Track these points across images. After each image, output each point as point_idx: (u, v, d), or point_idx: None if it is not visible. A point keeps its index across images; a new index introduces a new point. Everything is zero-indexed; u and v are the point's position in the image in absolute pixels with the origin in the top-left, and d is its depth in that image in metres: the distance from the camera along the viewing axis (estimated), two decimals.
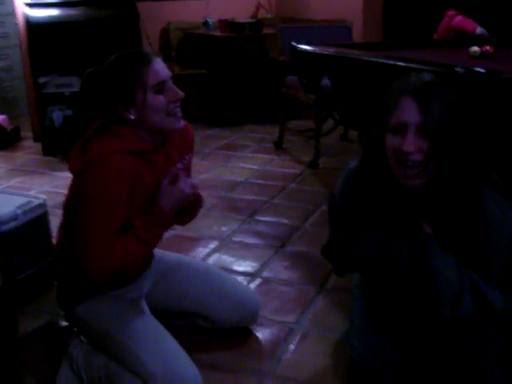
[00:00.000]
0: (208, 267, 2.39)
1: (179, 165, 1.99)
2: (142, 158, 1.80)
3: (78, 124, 1.85)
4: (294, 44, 3.89)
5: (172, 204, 1.81)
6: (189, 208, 1.96)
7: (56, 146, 4.89)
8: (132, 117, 1.77)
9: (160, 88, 1.76)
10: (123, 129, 1.79)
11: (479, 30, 4.77)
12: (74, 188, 1.85)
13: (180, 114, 1.82)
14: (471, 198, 1.57)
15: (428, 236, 1.61)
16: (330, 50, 3.50)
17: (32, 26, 4.73)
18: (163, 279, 2.15)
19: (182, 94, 1.80)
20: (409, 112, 1.51)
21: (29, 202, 2.48)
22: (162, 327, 1.88)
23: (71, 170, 1.79)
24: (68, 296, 1.99)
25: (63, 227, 1.94)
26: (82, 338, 1.97)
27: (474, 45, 3.22)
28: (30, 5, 4.78)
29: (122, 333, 1.81)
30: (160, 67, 1.77)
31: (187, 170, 2.07)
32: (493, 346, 1.70)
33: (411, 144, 1.50)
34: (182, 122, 1.84)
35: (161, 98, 1.76)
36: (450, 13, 5.01)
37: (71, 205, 1.85)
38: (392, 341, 1.77)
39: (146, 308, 1.96)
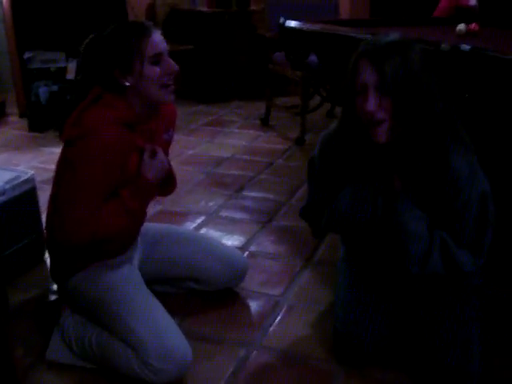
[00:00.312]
0: (195, 233, 2.48)
1: (165, 136, 2.05)
2: (133, 129, 1.85)
3: (78, 91, 1.91)
4: (281, 20, 3.90)
5: (155, 173, 1.89)
6: (165, 181, 2.04)
7: (42, 122, 4.87)
8: (127, 83, 1.82)
9: (157, 59, 1.81)
10: (117, 99, 1.84)
11: (472, 1, 4.79)
12: (64, 156, 1.88)
13: (172, 88, 1.86)
14: (439, 154, 1.62)
15: (398, 190, 1.67)
16: (317, 27, 3.51)
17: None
18: (153, 248, 2.20)
19: (176, 67, 1.84)
20: (365, 73, 1.56)
21: (17, 177, 2.49)
22: (153, 297, 1.93)
23: (64, 137, 1.84)
24: (60, 267, 2.02)
25: (53, 198, 1.96)
26: (74, 308, 2.01)
27: (464, 22, 3.24)
28: None
29: (114, 302, 1.85)
30: (159, 39, 1.82)
31: (169, 144, 2.13)
32: (473, 316, 1.75)
33: (371, 103, 1.55)
34: (173, 96, 1.88)
35: (156, 69, 1.81)
36: None
37: (60, 173, 1.88)
38: (374, 311, 1.83)
39: (138, 278, 2.00)
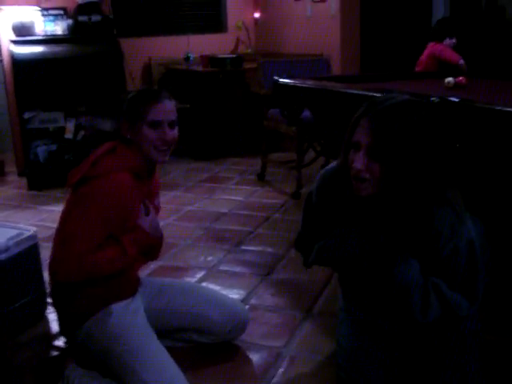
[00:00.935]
0: (198, 284, 2.57)
1: (155, 201, 2.22)
2: (137, 180, 2.01)
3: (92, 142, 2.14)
4: (275, 78, 4.00)
5: (149, 226, 2.03)
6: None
7: (41, 180, 4.94)
8: (128, 136, 2.03)
9: (154, 125, 2.00)
10: (128, 151, 2.01)
11: (462, 61, 4.98)
12: (73, 197, 2.01)
13: (165, 152, 2.05)
14: (420, 217, 1.66)
15: (382, 241, 1.71)
16: (310, 83, 3.61)
17: (17, 62, 4.82)
18: (157, 300, 2.24)
19: (170, 137, 2.02)
20: (362, 132, 1.61)
21: (19, 234, 2.53)
22: (163, 348, 1.97)
23: (73, 181, 1.98)
24: (69, 316, 2.05)
25: (60, 240, 2.01)
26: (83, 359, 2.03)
27: (451, 76, 3.36)
28: (16, 42, 4.87)
29: (124, 351, 1.89)
30: (163, 109, 2.02)
31: (158, 211, 2.27)
32: (472, 361, 1.78)
33: (359, 162, 1.60)
34: (166, 158, 2.07)
35: (151, 133, 2.00)
36: (435, 45, 5.17)
37: (68, 212, 2.00)
38: (377, 358, 1.84)
39: (148, 326, 2.05)
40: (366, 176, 1.61)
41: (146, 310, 2.16)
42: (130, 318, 2.02)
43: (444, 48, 5.10)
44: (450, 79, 3.29)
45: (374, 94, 2.70)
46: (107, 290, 2.01)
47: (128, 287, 2.11)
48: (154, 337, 2.01)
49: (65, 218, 2.00)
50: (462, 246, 1.65)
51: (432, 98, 2.38)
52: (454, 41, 5.12)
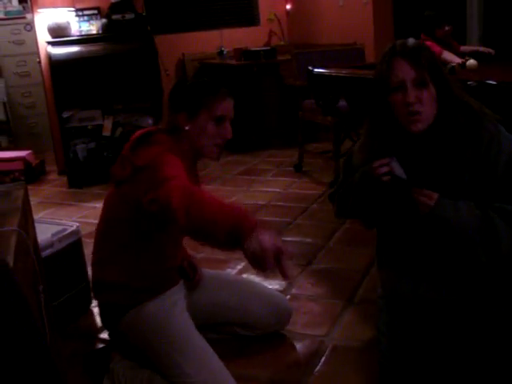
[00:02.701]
0: (241, 278, 2.57)
1: None
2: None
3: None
4: (309, 68, 4.00)
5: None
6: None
7: (81, 178, 5.02)
8: (186, 128, 1.96)
9: (220, 120, 1.98)
10: (167, 139, 1.95)
11: (445, 54, 4.66)
12: (124, 190, 1.94)
13: (221, 150, 2.04)
14: (470, 137, 1.74)
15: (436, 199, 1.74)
16: (345, 72, 3.59)
17: (54, 63, 4.90)
18: (201, 294, 2.25)
19: (231, 135, 2.02)
20: (402, 70, 1.75)
21: (63, 230, 2.58)
22: (204, 340, 1.97)
23: (119, 177, 1.93)
24: (110, 309, 2.07)
25: (103, 237, 2.05)
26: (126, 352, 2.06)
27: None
28: (52, 43, 4.95)
29: (166, 343, 1.90)
30: (230, 107, 2.02)
31: None
32: None
33: (412, 95, 1.73)
34: (218, 157, 2.07)
35: (215, 128, 1.98)
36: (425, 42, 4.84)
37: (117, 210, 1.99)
38: (419, 344, 1.83)
39: (189, 319, 2.04)
40: (419, 108, 1.73)
41: (188, 304, 2.16)
42: (168, 310, 2.00)
43: (431, 44, 4.77)
44: (471, 61, 3.19)
45: None
46: (147, 282, 2.01)
47: (168, 279, 2.11)
48: (195, 329, 2.00)
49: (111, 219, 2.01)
50: None
51: (469, 82, 2.36)
52: (446, 28, 4.66)
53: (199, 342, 1.95)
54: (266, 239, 1.55)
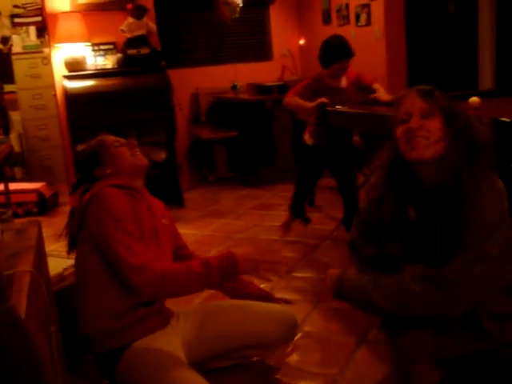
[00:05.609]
0: (238, 300, 2.44)
1: (163, 220, 2.27)
2: (130, 195, 2.11)
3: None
4: (321, 104, 3.99)
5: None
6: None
7: None
8: (108, 171, 2.20)
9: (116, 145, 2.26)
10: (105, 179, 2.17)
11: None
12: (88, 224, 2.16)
13: (140, 155, 2.26)
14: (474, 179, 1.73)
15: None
16: (357, 109, 3.60)
17: (70, 96, 4.96)
18: (202, 330, 2.20)
19: (123, 141, 2.31)
20: (411, 101, 1.80)
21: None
22: (197, 376, 1.92)
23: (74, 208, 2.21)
24: (104, 361, 2.07)
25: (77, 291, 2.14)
26: None
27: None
28: (68, 77, 5.02)
29: None
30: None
31: (172, 223, 2.38)
32: None
33: (416, 121, 1.76)
34: (145, 160, 2.27)
35: (122, 149, 2.24)
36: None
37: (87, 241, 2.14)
38: None
39: (182, 360, 2.01)
40: (421, 134, 1.75)
41: (189, 343, 2.14)
42: (164, 353, 1.99)
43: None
44: (474, 98, 3.20)
45: None
46: (133, 326, 2.01)
47: (156, 321, 2.10)
48: (190, 368, 1.96)
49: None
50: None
51: (482, 119, 2.35)
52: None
53: (192, 379, 1.91)
54: (246, 266, 2.02)
